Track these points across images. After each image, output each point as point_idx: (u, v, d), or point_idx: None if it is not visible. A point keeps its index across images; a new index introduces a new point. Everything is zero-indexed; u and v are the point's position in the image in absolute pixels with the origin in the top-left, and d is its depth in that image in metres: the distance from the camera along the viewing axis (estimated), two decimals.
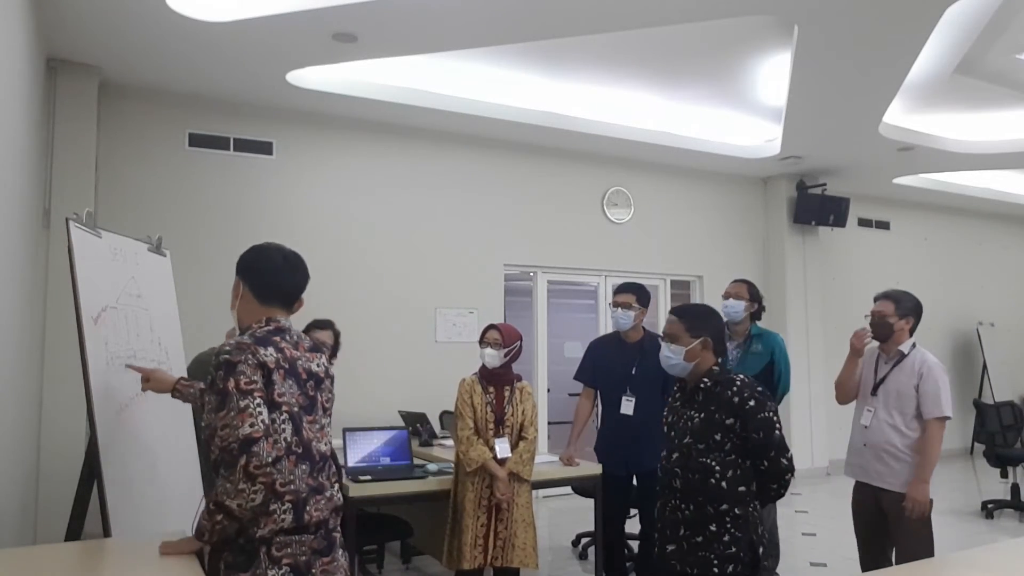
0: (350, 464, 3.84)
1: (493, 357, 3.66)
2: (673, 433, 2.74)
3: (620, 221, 7.62)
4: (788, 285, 8.19)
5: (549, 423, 7.31)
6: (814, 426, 8.07)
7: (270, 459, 1.90)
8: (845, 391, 3.67)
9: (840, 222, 8.34)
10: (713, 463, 2.57)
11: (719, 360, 2.71)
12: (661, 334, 2.78)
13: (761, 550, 2.58)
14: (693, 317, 2.73)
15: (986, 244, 10.32)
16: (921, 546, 3.31)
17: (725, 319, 4.17)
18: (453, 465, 3.83)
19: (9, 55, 3.31)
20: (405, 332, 6.44)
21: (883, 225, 9.47)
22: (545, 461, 4.36)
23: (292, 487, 1.98)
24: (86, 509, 2.95)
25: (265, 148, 6.05)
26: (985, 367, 9.57)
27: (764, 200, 8.59)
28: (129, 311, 3.19)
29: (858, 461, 3.57)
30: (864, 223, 9.29)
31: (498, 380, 3.72)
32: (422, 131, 6.59)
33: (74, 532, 2.91)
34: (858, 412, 3.63)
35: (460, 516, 3.65)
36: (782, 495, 2.65)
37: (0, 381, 3.30)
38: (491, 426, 3.65)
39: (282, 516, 1.97)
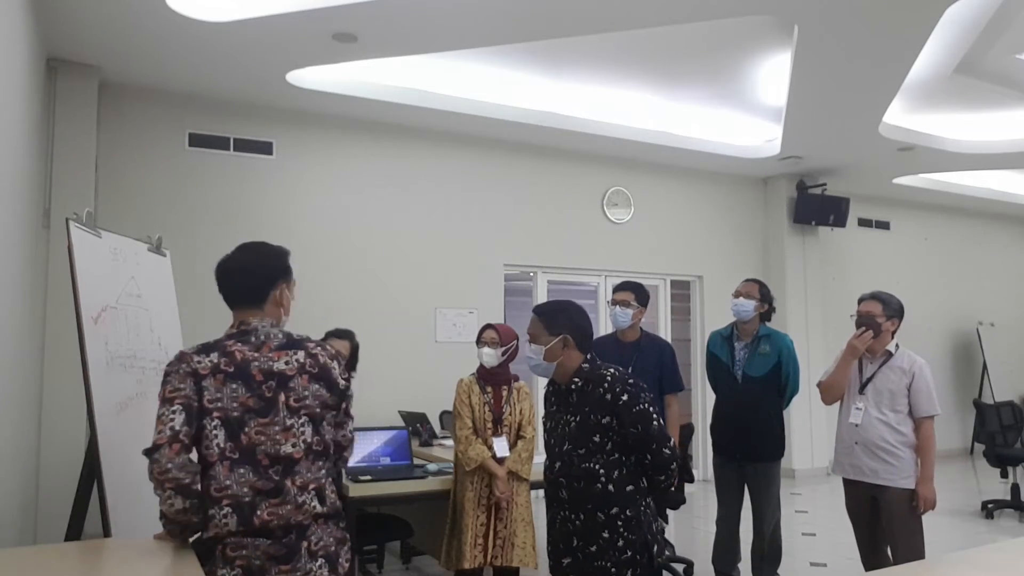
0: (350, 464, 3.84)
1: (491, 356, 3.68)
2: (552, 441, 2.61)
3: (620, 221, 7.62)
4: (788, 285, 8.19)
5: None
6: (814, 426, 8.07)
7: (170, 465, 1.93)
8: (836, 391, 3.68)
9: (840, 222, 8.34)
10: (597, 467, 2.45)
11: (588, 356, 2.57)
12: (526, 334, 2.65)
13: (655, 547, 2.49)
14: (550, 314, 2.60)
15: (986, 244, 10.31)
16: (916, 539, 3.41)
17: (734, 318, 4.20)
18: (452, 465, 3.83)
19: (9, 55, 3.31)
20: (405, 332, 6.44)
21: (883, 225, 9.47)
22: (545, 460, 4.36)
23: (230, 491, 1.98)
24: (86, 509, 2.95)
25: (265, 148, 6.05)
26: (985, 367, 9.57)
27: (764, 200, 8.59)
28: (129, 311, 3.19)
29: (849, 460, 3.59)
30: (864, 223, 9.29)
31: (496, 380, 3.73)
32: (422, 131, 6.59)
33: (74, 532, 2.91)
34: (845, 411, 3.65)
35: (459, 516, 3.65)
36: (672, 485, 2.55)
37: (0, 381, 3.30)
38: (489, 425, 3.66)
39: (223, 520, 1.97)
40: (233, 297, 2.17)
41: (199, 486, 1.98)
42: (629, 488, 2.46)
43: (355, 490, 3.67)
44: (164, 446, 1.95)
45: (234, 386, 2.02)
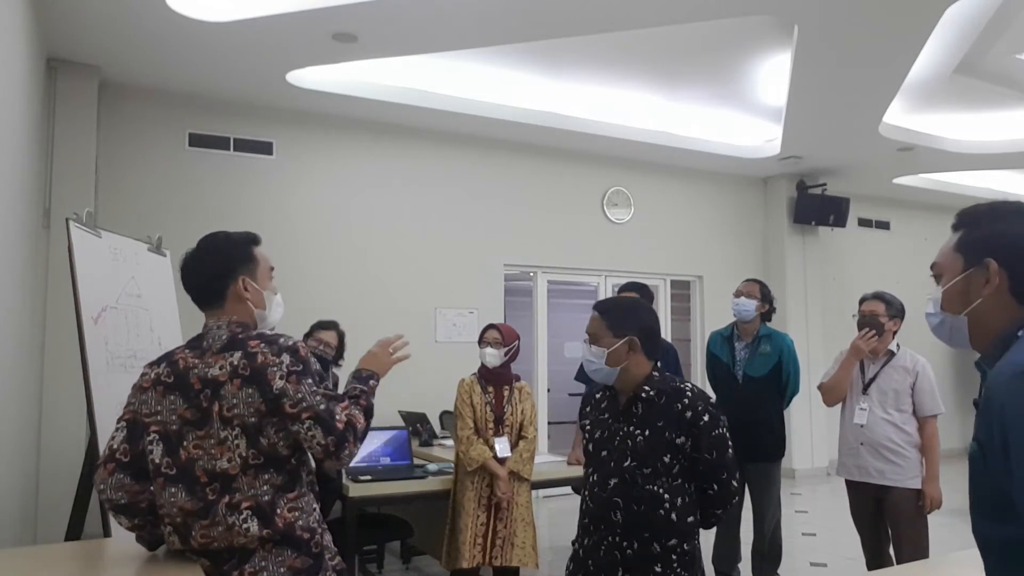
0: (350, 464, 3.84)
1: (494, 356, 3.68)
2: (605, 453, 2.26)
3: (620, 221, 7.61)
4: (788, 285, 8.19)
5: (549, 423, 7.31)
6: (814, 426, 8.07)
7: (103, 485, 1.89)
8: (838, 393, 3.67)
9: (840, 222, 8.34)
10: (661, 491, 2.15)
11: (657, 364, 2.31)
12: (584, 335, 2.36)
13: None
14: (616, 312, 2.30)
15: None
16: (922, 539, 3.40)
17: (735, 318, 4.20)
18: (453, 465, 3.83)
19: (9, 55, 3.31)
20: (405, 332, 6.29)
21: (883, 225, 9.47)
22: (545, 461, 4.36)
23: (164, 511, 1.86)
24: (86, 509, 2.96)
25: (265, 148, 6.05)
26: None
27: (764, 200, 8.59)
28: (129, 311, 3.19)
29: (854, 461, 3.58)
30: (864, 223, 9.29)
31: (497, 380, 3.73)
32: (422, 131, 6.59)
33: (74, 532, 2.92)
34: (848, 412, 3.64)
35: (459, 515, 3.65)
36: (720, 521, 2.33)
37: (0, 381, 3.30)
38: (491, 425, 3.66)
39: (171, 538, 1.88)
40: (193, 299, 2.00)
41: (144, 504, 1.90)
42: (690, 519, 2.19)
43: (355, 490, 3.67)
44: (100, 466, 1.92)
45: (172, 397, 1.87)
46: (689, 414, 2.17)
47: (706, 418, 2.17)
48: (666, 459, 2.16)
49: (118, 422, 1.95)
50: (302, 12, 4.43)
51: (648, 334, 2.28)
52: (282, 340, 1.88)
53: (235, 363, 1.82)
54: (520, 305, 7.72)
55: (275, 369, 1.82)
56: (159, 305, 3.53)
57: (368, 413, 1.98)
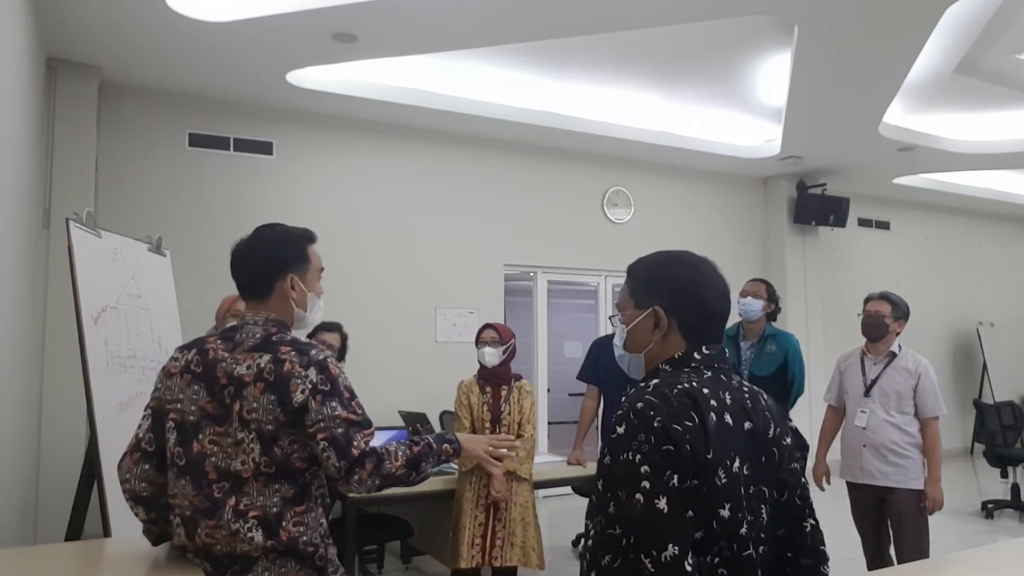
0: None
1: (493, 355, 3.68)
2: None
3: (620, 221, 7.61)
4: (788, 285, 8.19)
5: (549, 423, 7.31)
6: (814, 426, 8.04)
7: (128, 475, 1.87)
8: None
9: (840, 222, 8.34)
10: (592, 532, 1.38)
11: (689, 348, 1.45)
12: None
13: None
14: (639, 270, 1.53)
15: (986, 244, 10.31)
16: (923, 540, 3.43)
17: (740, 317, 4.19)
18: (454, 465, 3.84)
19: (9, 55, 3.31)
20: (405, 332, 6.44)
21: (883, 225, 9.47)
22: (545, 461, 4.37)
23: (176, 501, 1.82)
24: (86, 509, 2.96)
25: (265, 148, 6.05)
26: (985, 367, 9.57)
27: (764, 200, 8.58)
28: (129, 311, 3.19)
29: (857, 464, 3.58)
30: (864, 223, 9.29)
31: (497, 379, 3.73)
32: (422, 131, 6.58)
33: (74, 532, 2.92)
34: (850, 414, 3.65)
35: (458, 516, 3.66)
36: None
37: (0, 381, 3.30)
38: (487, 425, 3.66)
39: (178, 530, 1.84)
40: (238, 287, 1.96)
41: (165, 498, 1.86)
42: None
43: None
44: (126, 455, 1.89)
45: (196, 387, 1.82)
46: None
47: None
48: (600, 487, 1.37)
49: (144, 410, 1.92)
50: (302, 12, 4.43)
51: (682, 299, 1.45)
52: (313, 352, 1.83)
53: (262, 366, 1.79)
54: (520, 305, 7.71)
55: (299, 381, 1.77)
56: (159, 305, 3.53)
57: (410, 464, 1.87)
